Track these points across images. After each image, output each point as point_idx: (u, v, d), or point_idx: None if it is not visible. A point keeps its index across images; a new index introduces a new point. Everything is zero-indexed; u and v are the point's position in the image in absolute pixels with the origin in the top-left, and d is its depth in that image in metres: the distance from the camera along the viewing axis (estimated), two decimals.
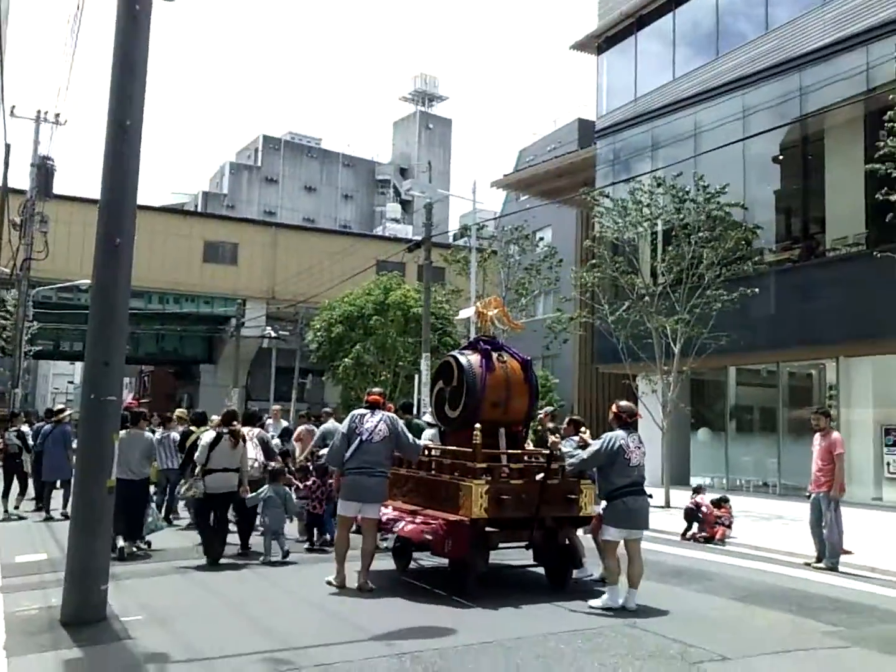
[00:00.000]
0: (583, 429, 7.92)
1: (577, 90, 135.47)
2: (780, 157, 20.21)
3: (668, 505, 16.05)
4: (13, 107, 23.99)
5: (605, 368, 25.12)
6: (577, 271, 20.51)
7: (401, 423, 7.73)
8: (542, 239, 27.83)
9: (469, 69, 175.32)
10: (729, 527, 11.32)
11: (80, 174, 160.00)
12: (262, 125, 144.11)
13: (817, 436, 9.53)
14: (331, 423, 10.99)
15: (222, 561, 8.58)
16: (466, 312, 9.75)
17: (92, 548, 5.85)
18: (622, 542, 6.91)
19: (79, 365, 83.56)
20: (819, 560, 9.33)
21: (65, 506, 12.38)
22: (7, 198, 25.35)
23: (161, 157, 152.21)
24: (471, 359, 7.99)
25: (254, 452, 9.52)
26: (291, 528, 10.65)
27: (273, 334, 39.35)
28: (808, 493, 9.76)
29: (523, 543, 7.61)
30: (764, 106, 19.40)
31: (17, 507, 13.00)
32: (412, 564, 8.46)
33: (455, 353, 8.51)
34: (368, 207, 71.58)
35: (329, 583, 7.29)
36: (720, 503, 11.61)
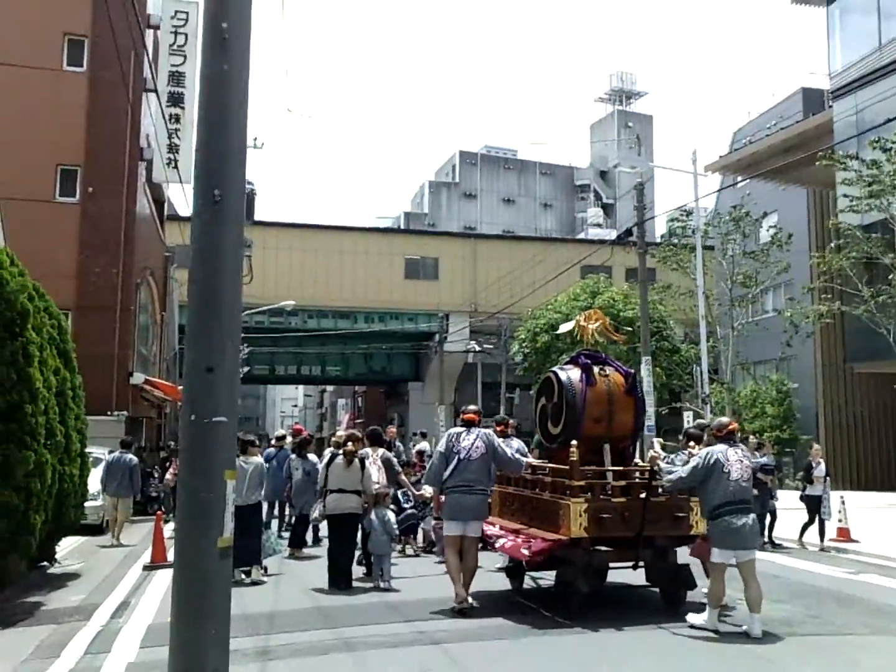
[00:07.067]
0: (692, 443, 7.60)
1: (797, 57, 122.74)
2: None
3: None
4: None
5: (862, 367, 21.33)
6: (821, 255, 17.28)
7: (497, 439, 7.73)
8: (770, 225, 24.28)
9: (669, 57, 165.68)
10: None
11: (279, 199, 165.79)
12: (459, 141, 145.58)
13: None
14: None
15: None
16: (566, 326, 9.39)
17: (197, 635, 4.04)
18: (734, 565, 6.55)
19: (302, 389, 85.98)
20: None
21: (280, 526, 12.96)
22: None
23: (365, 183, 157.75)
24: (571, 374, 7.87)
25: (376, 475, 9.21)
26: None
27: (477, 348, 38.30)
28: None
29: (629, 564, 7.35)
30: None
31: None
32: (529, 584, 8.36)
33: (556, 368, 8.40)
34: (569, 214, 69.14)
35: (453, 608, 7.10)
36: None
